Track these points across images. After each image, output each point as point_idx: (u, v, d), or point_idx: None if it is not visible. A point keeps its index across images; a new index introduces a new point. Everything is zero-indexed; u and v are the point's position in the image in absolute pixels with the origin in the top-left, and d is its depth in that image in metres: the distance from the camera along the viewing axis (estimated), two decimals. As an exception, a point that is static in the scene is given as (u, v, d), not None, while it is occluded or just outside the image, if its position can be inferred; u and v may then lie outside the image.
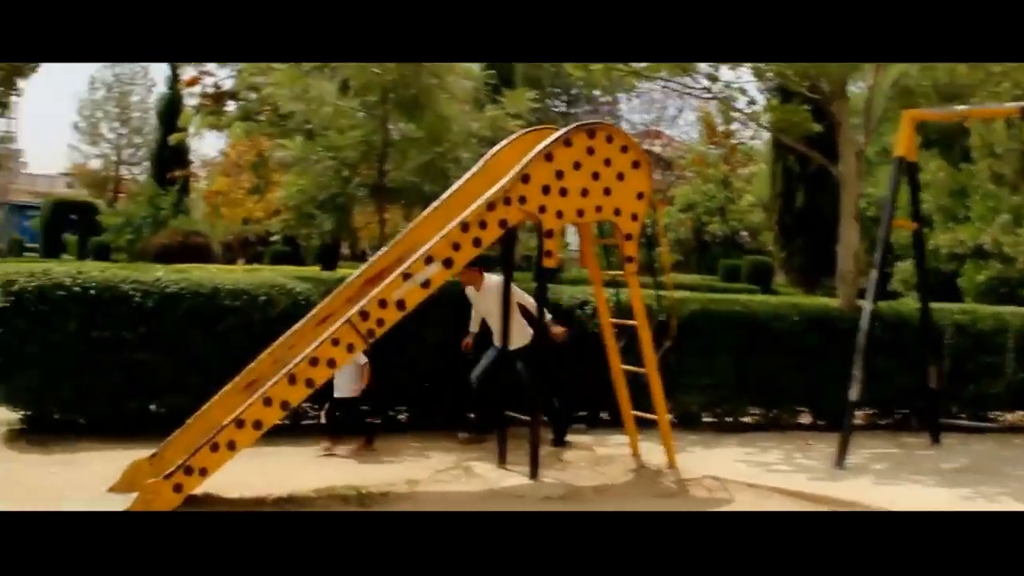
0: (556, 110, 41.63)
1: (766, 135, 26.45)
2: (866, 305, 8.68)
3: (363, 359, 7.72)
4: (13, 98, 19.35)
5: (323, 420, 8.12)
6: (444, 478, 7.07)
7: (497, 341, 7.98)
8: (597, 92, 38.55)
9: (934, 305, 9.88)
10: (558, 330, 8.12)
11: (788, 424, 9.85)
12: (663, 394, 7.57)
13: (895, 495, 7.03)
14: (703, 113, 36.28)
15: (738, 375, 9.45)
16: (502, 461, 7.41)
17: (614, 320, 7.75)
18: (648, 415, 7.60)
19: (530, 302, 7.90)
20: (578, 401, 9.16)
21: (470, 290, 8.29)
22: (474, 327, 8.49)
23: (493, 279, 8.06)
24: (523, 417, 7.33)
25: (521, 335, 7.98)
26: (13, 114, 31.56)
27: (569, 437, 8.46)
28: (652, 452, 7.77)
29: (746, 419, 9.88)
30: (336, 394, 7.91)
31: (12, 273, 8.16)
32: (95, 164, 50.18)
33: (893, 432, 9.90)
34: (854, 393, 8.37)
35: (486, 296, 8.10)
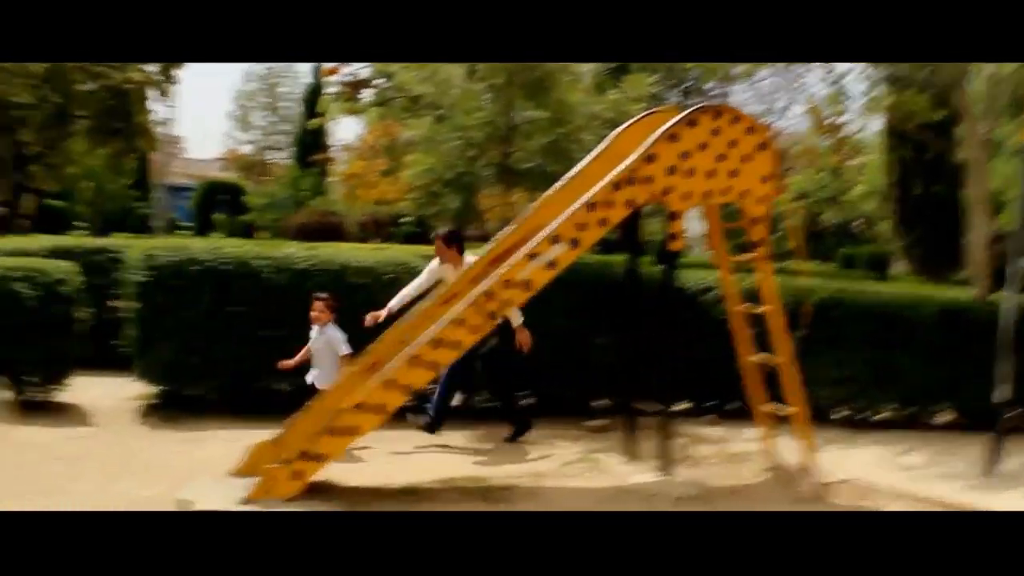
0: (669, 102, 40.32)
1: (876, 126, 24.98)
2: (1011, 297, 7.52)
3: (345, 349, 6.60)
4: (171, 87, 19.23)
5: None
6: (571, 471, 6.31)
7: None
8: (709, 85, 37.27)
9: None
10: (525, 337, 7.02)
11: (926, 423, 8.70)
12: (800, 387, 6.61)
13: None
14: (811, 105, 34.51)
15: (871, 368, 8.39)
16: (631, 454, 6.60)
17: (745, 307, 6.83)
18: (782, 410, 6.65)
19: None
20: (708, 391, 8.31)
21: (444, 268, 7.18)
22: (396, 303, 7.10)
23: (471, 261, 7.05)
24: (650, 409, 6.49)
25: None
26: (172, 101, 32.08)
27: (700, 430, 7.56)
28: (787, 449, 6.78)
29: (881, 416, 8.74)
30: (310, 384, 6.72)
31: (153, 248, 7.87)
32: (246, 149, 51.22)
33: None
34: (1001, 393, 7.24)
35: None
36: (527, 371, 7.41)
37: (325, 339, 6.67)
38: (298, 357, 6.79)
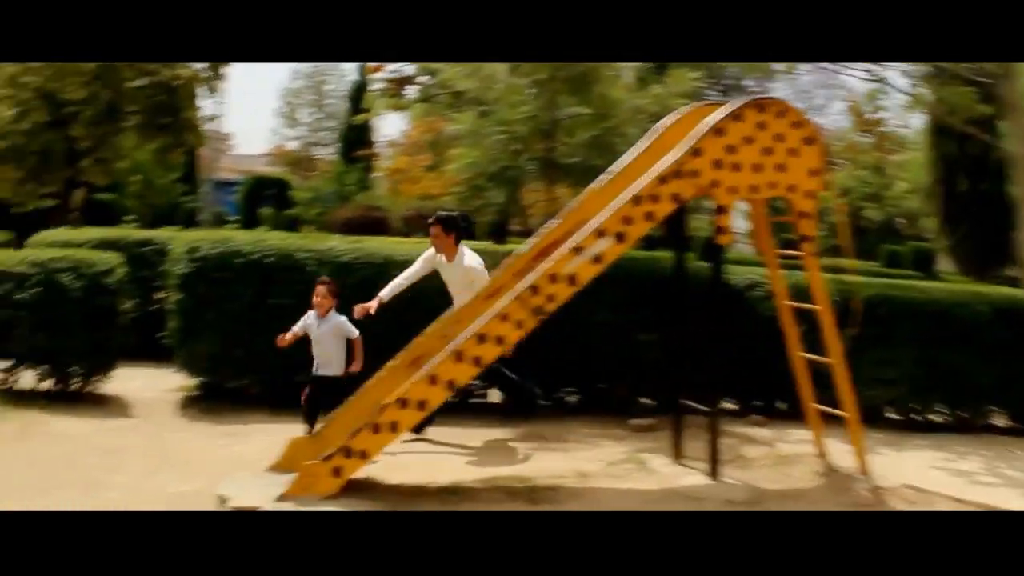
0: (709, 98, 39.76)
1: (915, 122, 24.40)
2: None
3: (355, 333, 6.21)
4: (220, 83, 19.22)
5: (302, 402, 6.22)
6: (617, 472, 6.01)
7: None
8: (750, 82, 36.76)
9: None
10: None
11: (980, 425, 8.28)
12: (851, 388, 6.27)
13: None
14: (851, 103, 33.88)
15: (923, 368, 8.00)
16: (678, 455, 6.32)
17: (793, 304, 6.50)
18: (834, 411, 6.32)
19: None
20: (755, 389, 8.01)
21: (439, 258, 6.78)
22: (387, 293, 6.64)
23: (468, 253, 6.73)
24: (701, 407, 6.19)
25: None
26: (221, 98, 32.24)
27: (748, 431, 7.25)
28: (838, 452, 6.48)
29: (934, 418, 8.31)
30: (319, 372, 6.23)
31: (197, 240, 7.72)
32: (293, 145, 51.41)
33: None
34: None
35: (456, 268, 6.67)
36: (521, 361, 6.93)
37: (331, 326, 6.20)
38: (291, 336, 6.22)
